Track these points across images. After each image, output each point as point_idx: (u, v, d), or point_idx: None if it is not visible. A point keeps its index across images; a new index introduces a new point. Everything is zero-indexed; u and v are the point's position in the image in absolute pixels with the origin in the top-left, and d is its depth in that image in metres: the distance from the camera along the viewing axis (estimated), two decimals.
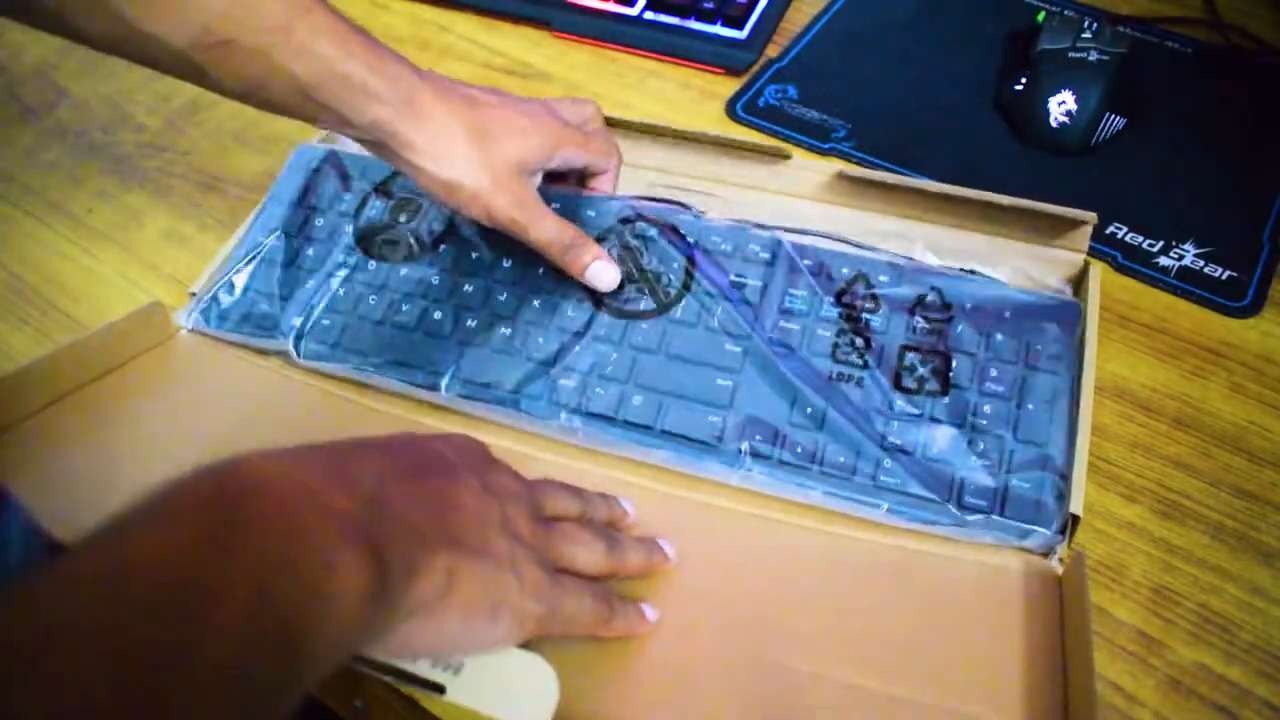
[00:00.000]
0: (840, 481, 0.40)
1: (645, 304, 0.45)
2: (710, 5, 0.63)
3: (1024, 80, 0.55)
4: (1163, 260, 0.49)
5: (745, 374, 0.42)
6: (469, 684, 0.31)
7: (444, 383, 0.44)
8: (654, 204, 0.48)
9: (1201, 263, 0.49)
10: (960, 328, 0.42)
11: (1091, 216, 0.43)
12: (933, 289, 0.43)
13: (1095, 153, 0.54)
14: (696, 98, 0.60)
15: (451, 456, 0.33)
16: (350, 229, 0.50)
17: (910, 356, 0.42)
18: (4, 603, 0.20)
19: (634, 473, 0.42)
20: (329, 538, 0.25)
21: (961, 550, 0.39)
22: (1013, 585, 0.37)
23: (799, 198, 0.50)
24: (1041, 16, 0.56)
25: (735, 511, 0.41)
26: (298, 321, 0.47)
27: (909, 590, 0.37)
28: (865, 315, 0.43)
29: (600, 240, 0.46)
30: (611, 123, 0.50)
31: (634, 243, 0.46)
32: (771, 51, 0.63)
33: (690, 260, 0.46)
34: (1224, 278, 0.48)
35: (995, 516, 0.38)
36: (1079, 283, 0.45)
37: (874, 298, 0.43)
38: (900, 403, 0.41)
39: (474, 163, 0.40)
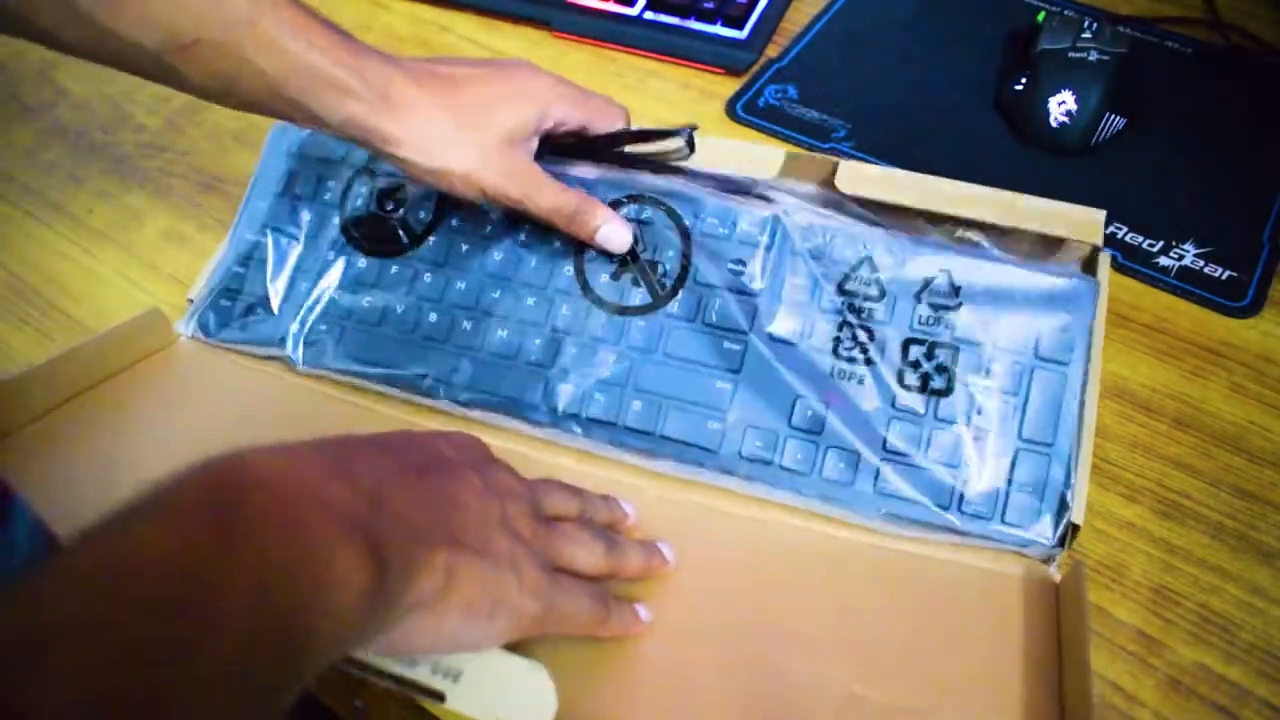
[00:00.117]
0: (840, 487, 0.40)
1: (641, 297, 0.44)
2: (710, 5, 0.63)
3: (1024, 80, 0.55)
4: (1163, 260, 0.49)
5: (744, 375, 0.42)
6: (468, 691, 0.31)
7: (443, 390, 0.44)
8: (644, 144, 0.45)
9: (1201, 263, 0.48)
10: (968, 316, 0.40)
11: (1100, 213, 0.42)
12: (941, 270, 0.41)
13: (1095, 153, 0.54)
14: (696, 98, 0.60)
15: (452, 454, 0.33)
16: (337, 220, 0.49)
17: (914, 351, 0.40)
18: (6, 600, 0.20)
19: (634, 474, 0.42)
20: (329, 534, 0.25)
21: (961, 554, 0.39)
22: (1012, 591, 0.37)
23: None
24: (1041, 16, 0.56)
25: (735, 515, 0.41)
26: (295, 327, 0.47)
27: (908, 595, 0.37)
28: (868, 305, 0.41)
29: None
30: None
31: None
32: (771, 51, 0.62)
33: (686, 246, 0.44)
34: (1224, 278, 0.48)
35: (995, 525, 0.38)
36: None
37: (878, 283, 0.41)
38: (902, 401, 0.40)
39: (460, 144, 0.40)
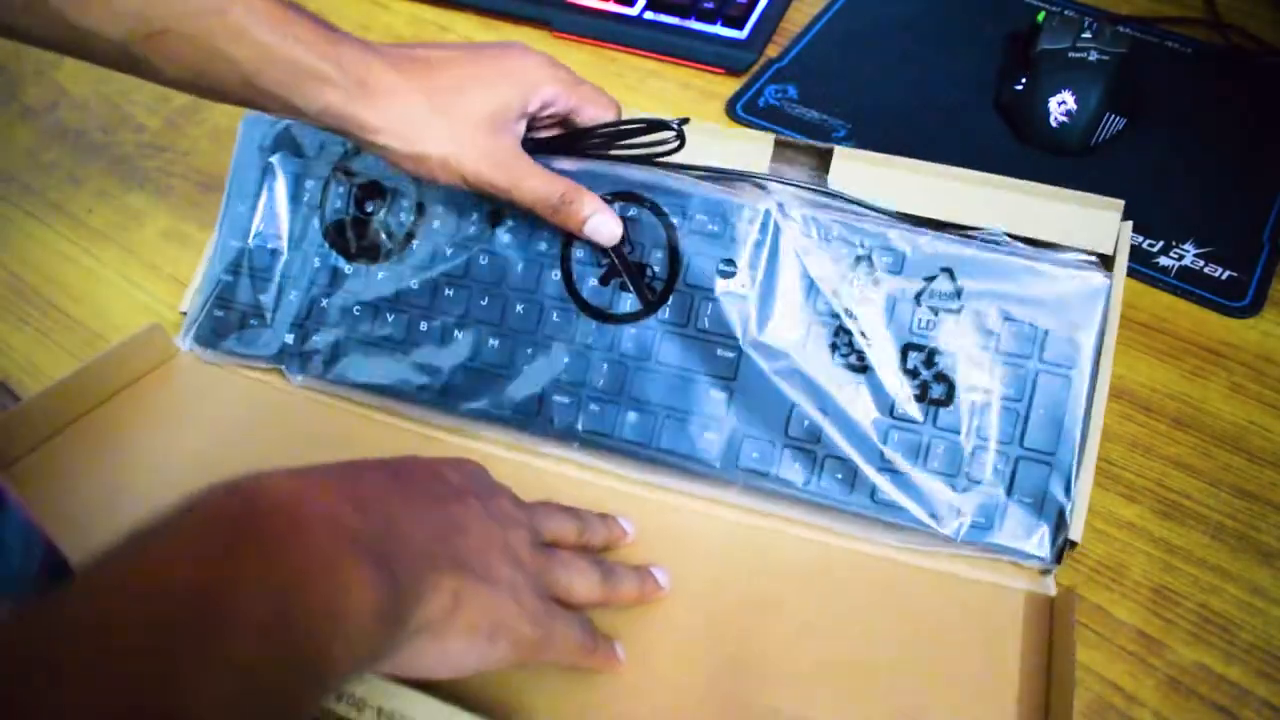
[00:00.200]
0: (837, 499, 0.39)
1: (631, 304, 0.42)
2: (710, 5, 0.63)
3: (1024, 80, 0.55)
4: (1163, 260, 0.49)
5: (738, 383, 0.41)
6: None
7: (439, 402, 0.44)
8: (633, 137, 0.43)
9: (1201, 263, 0.48)
10: (969, 319, 0.39)
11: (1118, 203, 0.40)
12: (942, 270, 0.39)
13: (1095, 153, 0.54)
14: (696, 98, 0.60)
15: (456, 480, 0.34)
16: (318, 223, 0.48)
17: (913, 358, 0.39)
18: (31, 616, 0.21)
19: (632, 484, 0.42)
20: (343, 555, 0.25)
21: (957, 565, 0.39)
22: (1007, 604, 0.37)
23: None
24: (1041, 16, 0.56)
25: (733, 525, 0.41)
26: (290, 339, 0.47)
27: (903, 607, 0.37)
28: (866, 308, 0.40)
29: None
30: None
31: None
32: (771, 51, 0.62)
33: (674, 245, 0.42)
34: (1224, 278, 0.48)
35: (992, 537, 0.38)
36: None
37: (876, 284, 0.40)
38: (900, 410, 0.39)
39: (438, 129, 0.38)
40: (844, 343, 0.40)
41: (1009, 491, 0.38)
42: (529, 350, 0.43)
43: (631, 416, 0.42)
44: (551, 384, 0.43)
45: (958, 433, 0.39)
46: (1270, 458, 0.41)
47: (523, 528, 0.34)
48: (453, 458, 0.36)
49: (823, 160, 0.44)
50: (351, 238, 0.47)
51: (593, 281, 0.43)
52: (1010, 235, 0.41)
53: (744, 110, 0.58)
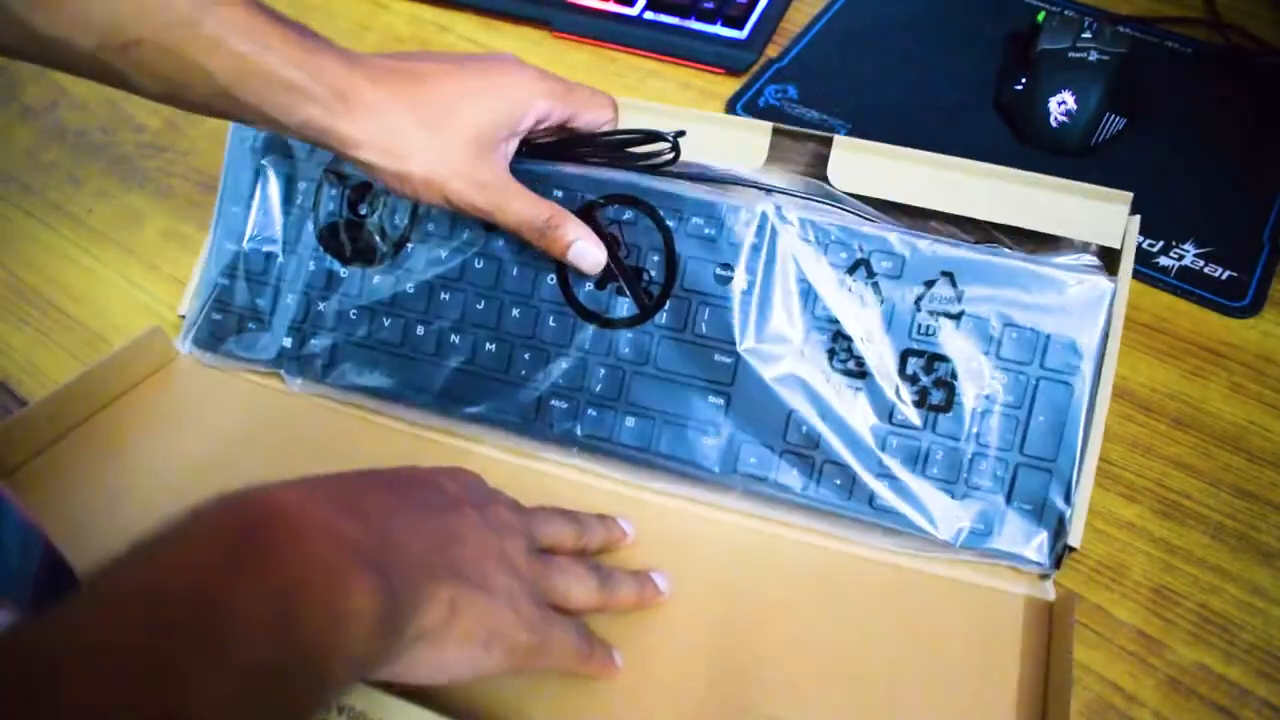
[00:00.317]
0: (835, 505, 0.39)
1: (628, 308, 0.42)
2: (710, 5, 0.63)
3: (1024, 80, 0.55)
4: (1163, 260, 0.49)
5: (736, 389, 0.40)
6: None
7: (437, 407, 0.44)
8: (626, 150, 0.43)
9: (1201, 263, 0.48)
10: (970, 323, 0.38)
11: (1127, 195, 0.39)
12: (942, 274, 0.39)
13: (1095, 153, 0.54)
14: (696, 98, 0.60)
15: (452, 490, 0.34)
16: (312, 226, 0.47)
17: (913, 364, 0.39)
18: (35, 623, 0.21)
19: (631, 488, 0.42)
20: (343, 565, 0.26)
21: (958, 571, 0.38)
22: (1008, 612, 0.37)
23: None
24: (1041, 16, 0.56)
25: (732, 529, 0.41)
26: (288, 342, 0.47)
27: (903, 616, 0.37)
28: (864, 313, 0.39)
29: None
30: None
31: (609, 229, 0.42)
32: (771, 51, 0.62)
33: (670, 248, 0.41)
34: (1224, 278, 0.48)
35: (990, 543, 0.38)
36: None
37: (875, 289, 0.39)
38: (899, 416, 0.39)
39: (423, 146, 0.37)
40: (842, 348, 0.40)
41: (1008, 498, 0.38)
42: (526, 355, 0.43)
43: (630, 422, 0.42)
44: (549, 389, 0.43)
45: (957, 439, 0.38)
46: (1270, 458, 0.41)
47: (519, 535, 0.34)
48: (449, 467, 0.36)
49: (822, 151, 0.43)
50: (346, 241, 0.47)
51: (589, 286, 0.43)
52: (1014, 228, 0.41)
53: (744, 110, 0.58)
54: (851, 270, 0.40)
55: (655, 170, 0.43)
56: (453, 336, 0.44)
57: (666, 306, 0.42)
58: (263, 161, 0.48)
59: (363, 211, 0.46)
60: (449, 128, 0.37)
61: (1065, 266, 0.39)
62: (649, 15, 0.64)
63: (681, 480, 0.41)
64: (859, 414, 0.39)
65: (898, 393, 0.39)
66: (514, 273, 0.44)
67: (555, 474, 0.43)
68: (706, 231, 0.41)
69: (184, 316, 0.49)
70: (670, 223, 0.42)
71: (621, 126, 0.44)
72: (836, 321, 0.40)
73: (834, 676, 0.35)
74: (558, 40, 0.65)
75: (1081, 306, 0.38)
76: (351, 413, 0.46)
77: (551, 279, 0.43)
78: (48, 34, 0.34)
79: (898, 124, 0.56)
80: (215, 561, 0.23)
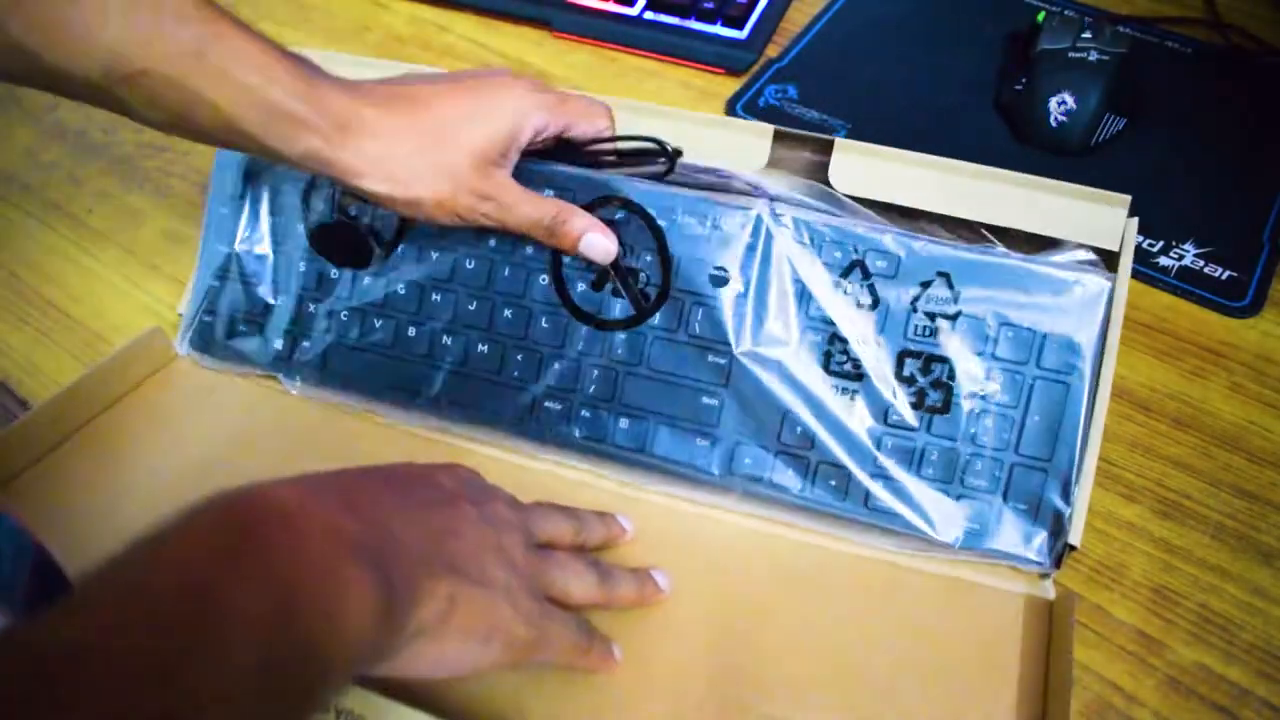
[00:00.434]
0: (830, 505, 0.39)
1: (622, 309, 0.42)
2: (710, 5, 0.63)
3: (1024, 80, 0.55)
4: (1163, 260, 0.49)
5: (731, 389, 0.40)
6: None
7: (432, 408, 0.44)
8: (623, 154, 0.43)
9: (1201, 263, 0.48)
10: (966, 324, 0.38)
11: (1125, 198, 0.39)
12: (938, 274, 0.39)
13: (1095, 153, 0.54)
14: (696, 98, 0.60)
15: (450, 486, 0.34)
16: (302, 228, 0.47)
17: (910, 365, 0.39)
18: (37, 626, 0.21)
19: (628, 487, 0.42)
20: (342, 561, 0.26)
21: (957, 570, 0.38)
22: (1008, 611, 0.37)
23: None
24: (1041, 16, 0.56)
25: (728, 528, 0.41)
26: (280, 345, 0.47)
27: (902, 616, 0.37)
28: (860, 314, 0.39)
29: None
30: None
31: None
32: (771, 51, 0.62)
33: (665, 249, 0.41)
34: (1224, 278, 0.48)
35: (988, 544, 0.38)
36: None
37: (871, 290, 0.39)
38: (895, 417, 0.39)
39: (428, 172, 0.37)
40: (838, 350, 0.39)
41: (1005, 498, 0.38)
42: (519, 356, 0.43)
43: (624, 423, 0.42)
44: (543, 390, 0.43)
45: (954, 440, 0.38)
46: (1270, 458, 0.41)
47: (517, 530, 0.34)
48: (446, 463, 0.36)
49: (822, 153, 0.43)
50: (337, 243, 0.46)
51: (583, 287, 0.42)
52: (1013, 230, 0.40)
53: (744, 110, 0.58)
54: (847, 272, 0.40)
55: (650, 178, 0.43)
56: (445, 338, 0.44)
57: (660, 308, 0.41)
58: (251, 163, 0.48)
59: (353, 213, 0.46)
60: (453, 147, 0.38)
61: (1062, 265, 0.39)
62: (649, 15, 0.64)
63: (677, 481, 0.41)
64: (855, 415, 0.39)
65: (894, 395, 0.39)
66: (505, 273, 0.43)
67: (553, 473, 0.43)
68: (701, 232, 0.41)
69: (182, 314, 0.49)
70: (664, 224, 0.41)
71: (621, 129, 0.45)
72: (832, 323, 0.39)
73: (833, 675, 0.35)
74: (558, 40, 0.65)
75: (1079, 305, 0.38)
76: (350, 414, 0.46)
77: (544, 279, 0.43)
78: (51, 63, 0.34)
79: (898, 124, 0.57)
80: (213, 559, 0.23)
